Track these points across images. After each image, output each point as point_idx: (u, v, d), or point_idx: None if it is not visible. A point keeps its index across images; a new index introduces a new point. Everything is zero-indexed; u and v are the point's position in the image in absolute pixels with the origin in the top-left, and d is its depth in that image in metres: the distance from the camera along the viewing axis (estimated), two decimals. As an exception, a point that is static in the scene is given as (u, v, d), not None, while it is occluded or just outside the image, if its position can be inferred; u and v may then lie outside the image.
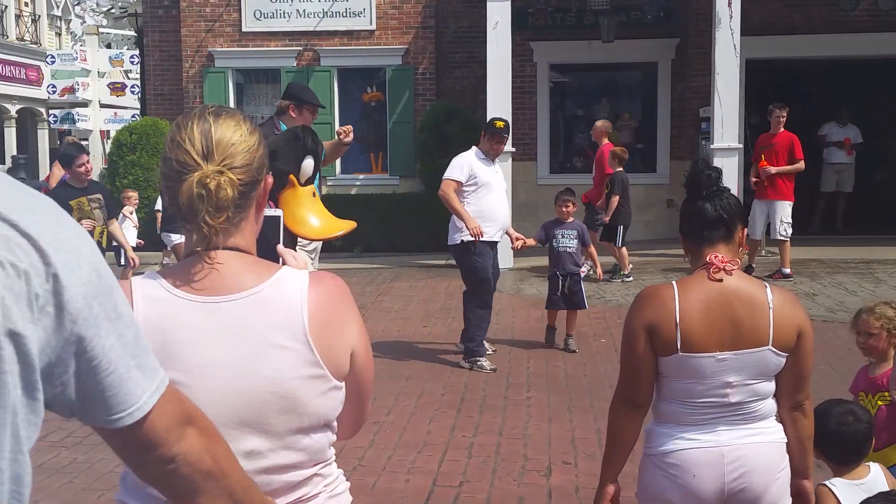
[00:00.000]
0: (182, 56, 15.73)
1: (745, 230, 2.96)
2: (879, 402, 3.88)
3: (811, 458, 2.95)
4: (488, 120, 8.47)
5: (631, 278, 11.23)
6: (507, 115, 12.00)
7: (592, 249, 8.47)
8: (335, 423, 1.91)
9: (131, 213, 11.71)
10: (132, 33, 20.06)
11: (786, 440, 2.86)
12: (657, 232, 14.17)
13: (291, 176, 5.17)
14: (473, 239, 7.52)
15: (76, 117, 16.18)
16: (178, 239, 9.34)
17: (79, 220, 7.01)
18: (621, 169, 11.19)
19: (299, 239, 5.95)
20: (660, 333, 2.75)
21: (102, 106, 16.50)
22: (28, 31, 30.76)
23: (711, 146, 12.34)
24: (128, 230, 11.68)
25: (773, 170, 10.92)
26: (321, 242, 7.22)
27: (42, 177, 19.50)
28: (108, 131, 16.78)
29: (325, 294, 1.86)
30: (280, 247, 2.10)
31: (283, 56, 15.47)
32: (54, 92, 17.00)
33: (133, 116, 16.40)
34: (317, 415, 1.83)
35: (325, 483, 1.91)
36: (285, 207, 5.21)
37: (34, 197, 1.27)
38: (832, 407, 3.35)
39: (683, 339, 2.73)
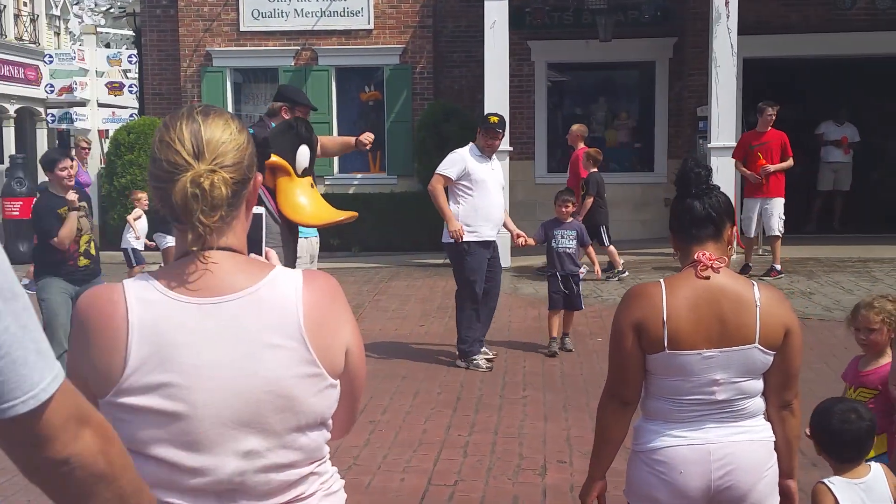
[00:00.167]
0: (180, 55, 15.73)
1: (735, 228, 2.96)
2: (859, 398, 3.88)
3: (797, 457, 2.96)
4: (484, 115, 8.48)
5: (626, 273, 11.24)
6: (505, 114, 11.99)
7: (591, 250, 8.43)
8: (330, 422, 1.91)
9: (136, 220, 11.56)
10: (131, 33, 20.06)
11: (773, 439, 2.86)
12: (654, 231, 14.18)
13: (287, 164, 5.18)
14: (455, 240, 7.52)
15: (74, 117, 16.18)
16: (171, 240, 9.34)
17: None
18: (596, 170, 11.31)
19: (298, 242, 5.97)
20: (647, 331, 2.77)
21: (100, 105, 16.50)
22: (27, 31, 30.74)
23: (709, 145, 12.35)
24: (134, 240, 11.51)
25: (772, 168, 10.92)
26: (318, 245, 7.23)
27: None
28: (107, 131, 16.77)
29: (320, 293, 1.87)
30: (266, 248, 2.11)
31: (281, 55, 15.48)
32: (52, 91, 17.01)
33: (131, 116, 16.39)
34: (313, 413, 1.84)
35: (321, 481, 1.92)
36: (282, 195, 5.22)
37: None
38: (834, 405, 3.35)
39: (670, 337, 2.75)
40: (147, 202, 12.46)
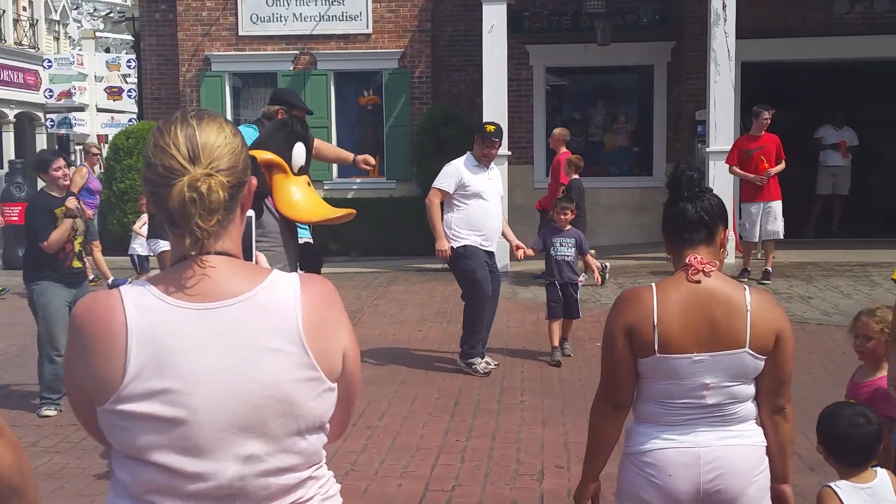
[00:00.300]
0: (179, 60, 15.74)
1: (727, 232, 2.95)
2: None
3: (791, 462, 2.94)
4: (481, 123, 8.45)
5: (608, 266, 11.22)
6: (503, 119, 12.05)
7: (590, 258, 8.31)
8: (328, 425, 1.92)
9: (141, 228, 11.53)
10: (130, 37, 20.07)
11: (765, 444, 2.86)
12: (652, 235, 14.18)
13: (283, 162, 5.16)
14: (455, 244, 7.51)
15: (73, 121, 16.20)
16: (165, 245, 9.32)
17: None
18: (577, 176, 11.22)
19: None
20: (638, 335, 2.77)
21: (99, 110, 16.52)
22: (26, 36, 30.78)
23: (707, 149, 12.36)
24: (141, 247, 11.49)
25: (773, 171, 10.93)
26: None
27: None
28: (107, 135, 16.79)
29: (318, 297, 1.87)
30: (255, 252, 2.10)
31: (280, 60, 15.48)
32: (51, 96, 17.03)
33: (130, 120, 16.41)
34: (313, 417, 1.84)
35: (319, 485, 1.92)
36: (277, 193, 5.21)
37: None
38: (842, 409, 3.33)
39: (661, 341, 2.75)
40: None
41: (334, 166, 15.50)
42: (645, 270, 12.07)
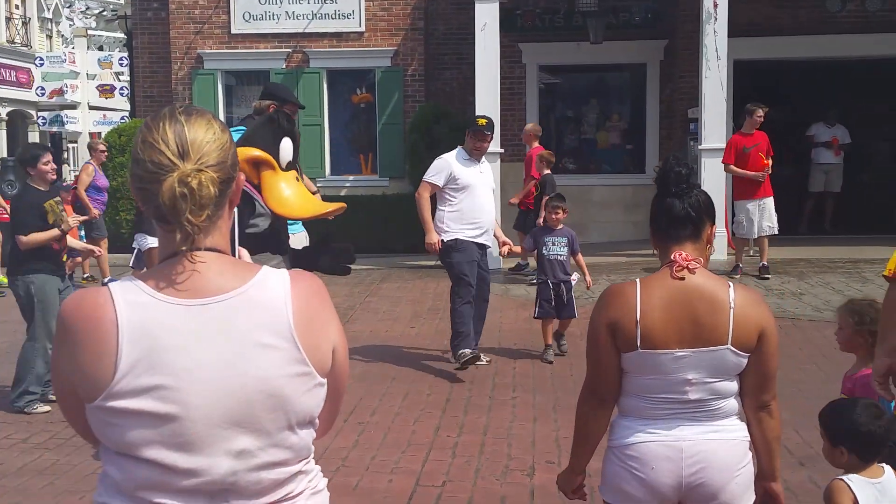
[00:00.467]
0: (171, 58, 15.71)
1: (714, 228, 2.95)
2: None
3: (778, 459, 2.94)
4: (472, 117, 8.44)
5: (530, 274, 11.24)
6: (496, 117, 12.02)
7: (581, 257, 8.24)
8: (317, 421, 1.92)
9: None
10: (122, 36, 20.04)
11: (748, 439, 2.86)
12: (645, 232, 13.95)
13: (270, 158, 5.15)
14: (445, 238, 7.49)
15: (65, 119, 16.16)
16: (153, 242, 9.30)
17: (52, 223, 6.87)
18: (549, 172, 11.35)
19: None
20: (621, 330, 2.78)
21: (91, 108, 16.47)
22: (18, 34, 30.70)
23: (699, 147, 12.37)
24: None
25: (769, 168, 10.98)
26: (307, 241, 7.19)
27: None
28: (100, 133, 16.75)
29: (308, 293, 1.88)
30: (238, 248, 2.11)
31: (273, 58, 15.47)
32: (43, 94, 16.99)
33: (122, 118, 16.38)
34: (304, 412, 1.85)
35: (308, 479, 1.93)
36: (267, 189, 5.19)
37: None
38: (856, 403, 3.28)
39: (643, 336, 2.75)
40: None
41: (327, 162, 15.51)
42: (637, 267, 12.07)
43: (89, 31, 19.25)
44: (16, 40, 30.28)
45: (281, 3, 15.32)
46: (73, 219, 7.41)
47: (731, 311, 2.75)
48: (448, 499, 5.04)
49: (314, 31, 15.35)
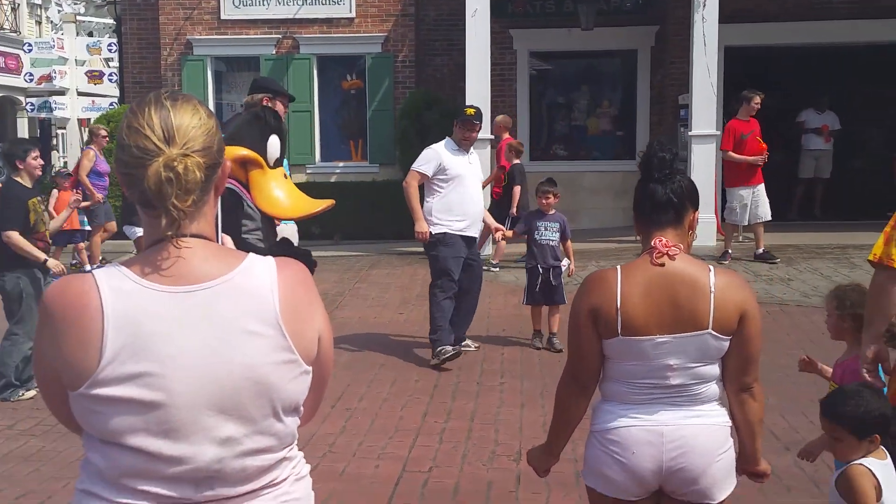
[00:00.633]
0: (160, 44, 15.63)
1: (697, 214, 2.94)
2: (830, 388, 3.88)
3: (760, 441, 2.94)
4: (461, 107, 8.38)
5: (497, 269, 11.24)
6: (486, 103, 12.02)
7: (570, 244, 8.20)
8: (302, 407, 1.92)
9: None
10: (112, 21, 19.93)
11: (729, 424, 2.86)
12: None
13: (259, 157, 5.12)
14: (434, 230, 7.42)
15: (53, 106, 16.08)
16: (141, 231, 9.26)
17: (34, 223, 6.81)
18: (518, 161, 11.45)
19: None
20: (601, 317, 2.78)
21: (80, 94, 16.39)
22: (7, 20, 30.51)
23: (689, 133, 12.36)
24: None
25: (766, 154, 11.02)
26: (296, 231, 7.18)
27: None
28: (89, 119, 16.68)
29: (294, 280, 1.87)
30: (222, 234, 2.10)
31: (263, 44, 15.40)
32: (32, 80, 16.92)
33: (111, 104, 16.31)
34: (289, 399, 1.85)
35: (292, 466, 1.93)
36: (255, 190, 5.17)
37: None
38: (861, 391, 3.22)
39: (624, 323, 2.75)
40: None
41: (317, 149, 15.47)
42: (627, 253, 12.07)
43: (78, 17, 19.14)
44: (4, 26, 30.10)
45: (270, -12, 15.25)
46: (58, 218, 7.42)
47: (712, 295, 2.74)
48: (434, 484, 5.05)
49: (304, 17, 15.29)
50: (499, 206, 11.47)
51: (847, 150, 15.40)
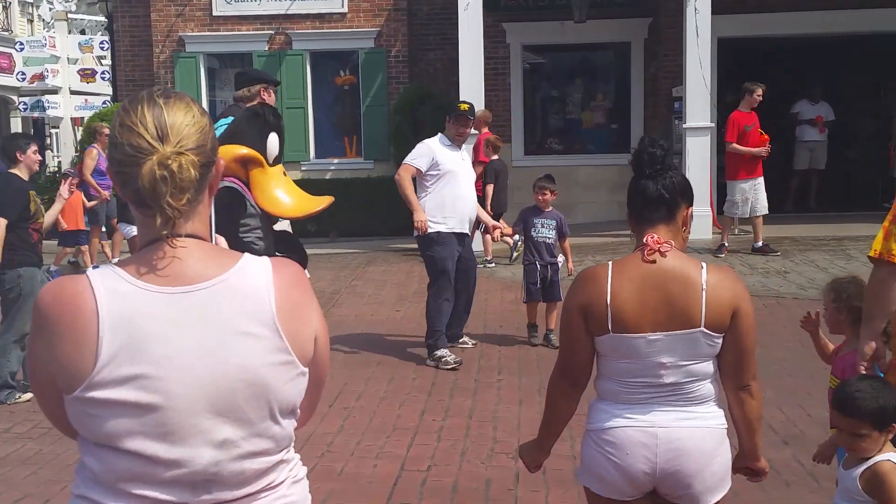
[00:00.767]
0: (152, 41, 15.58)
1: (691, 210, 2.92)
2: (831, 384, 3.87)
3: (759, 437, 2.92)
4: (454, 102, 8.32)
5: (494, 265, 11.24)
6: (480, 97, 12.00)
7: (567, 243, 8.13)
8: (299, 410, 1.91)
9: None
10: (104, 19, 19.86)
11: (725, 426, 2.84)
12: None
13: (259, 156, 5.11)
14: (419, 231, 7.35)
15: (46, 104, 16.02)
16: (136, 231, 9.22)
17: (34, 211, 6.81)
18: (497, 157, 11.30)
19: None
20: (592, 314, 2.77)
21: (73, 93, 16.33)
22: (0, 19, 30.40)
23: (683, 125, 12.35)
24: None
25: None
26: (290, 224, 7.15)
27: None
28: (83, 118, 16.63)
29: (290, 281, 1.86)
30: (215, 235, 2.08)
31: (255, 40, 15.35)
32: (24, 79, 16.86)
33: (104, 103, 16.25)
34: (286, 401, 1.83)
35: (289, 468, 1.92)
36: (257, 189, 5.16)
37: None
38: (874, 382, 3.21)
39: (614, 320, 2.74)
40: None
41: (312, 145, 15.44)
42: (623, 248, 12.07)
43: (70, 15, 19.06)
44: (-4, 25, 29.99)
45: (262, -16, 15.21)
46: (53, 210, 7.38)
47: (704, 292, 2.73)
48: (433, 483, 5.04)
49: (296, 13, 15.24)
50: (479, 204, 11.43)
51: (841, 141, 15.41)
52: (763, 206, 11.10)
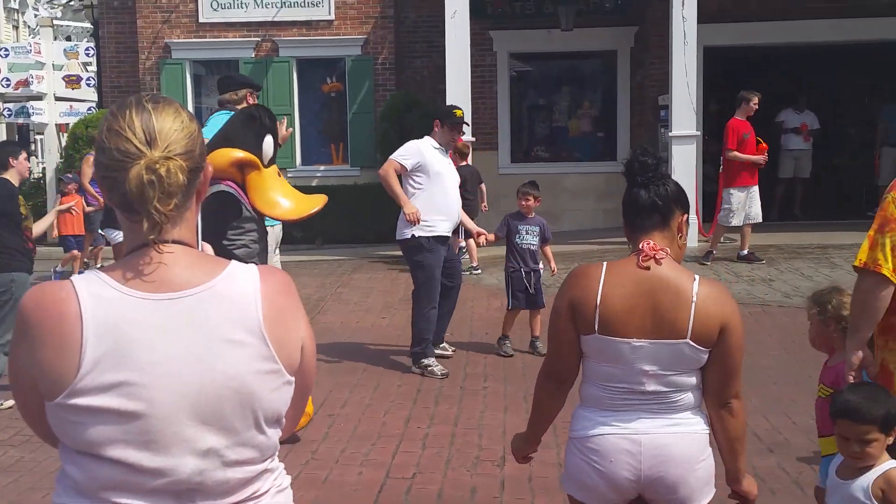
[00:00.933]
0: (138, 48, 15.55)
1: (686, 217, 2.93)
2: (821, 394, 3.86)
3: (743, 460, 2.89)
4: (445, 108, 8.23)
5: (480, 271, 11.24)
6: (467, 104, 12.00)
7: (549, 248, 8.07)
8: (284, 419, 1.89)
9: None
10: (90, 25, 19.79)
11: (707, 431, 2.83)
12: (617, 220, 14.00)
13: (256, 159, 5.10)
14: (417, 233, 7.23)
15: (31, 111, 15.93)
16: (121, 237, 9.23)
17: (25, 215, 6.83)
18: (465, 163, 11.22)
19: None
20: (580, 311, 2.77)
21: (58, 99, 16.25)
22: (-17, 24, 30.28)
23: (669, 134, 12.39)
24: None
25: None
26: (281, 233, 7.13)
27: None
28: (68, 125, 16.54)
29: (277, 288, 1.84)
30: (202, 242, 2.07)
31: (241, 47, 15.34)
32: (9, 85, 16.72)
33: (89, 109, 16.16)
34: (272, 410, 1.82)
35: (274, 478, 1.90)
36: (254, 191, 5.15)
37: None
38: (872, 386, 3.23)
39: (601, 321, 2.74)
40: None
41: (298, 152, 15.42)
42: (610, 255, 12.08)
43: (55, 21, 18.97)
44: (-19, 31, 29.87)
45: (249, -9, 15.19)
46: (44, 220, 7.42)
47: (693, 304, 2.72)
48: (418, 490, 5.02)
49: (283, 20, 15.24)
50: None
51: (826, 149, 15.48)
52: (757, 214, 11.13)
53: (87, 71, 18.45)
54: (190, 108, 15.01)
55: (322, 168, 15.42)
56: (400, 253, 11.94)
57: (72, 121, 15.86)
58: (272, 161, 5.30)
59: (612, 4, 14.90)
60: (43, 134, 16.58)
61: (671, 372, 2.74)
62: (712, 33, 13.59)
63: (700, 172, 12.69)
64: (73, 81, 16.33)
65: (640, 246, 2.80)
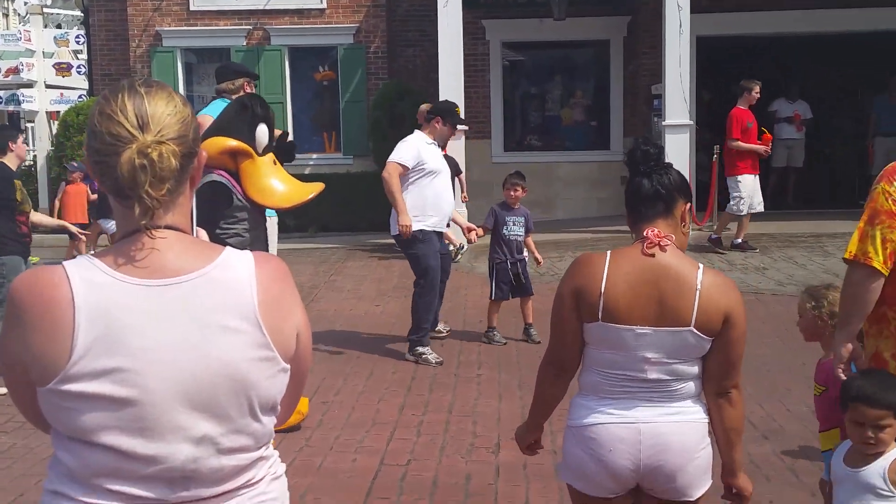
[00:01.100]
0: (129, 35, 15.45)
1: (688, 205, 2.92)
2: (815, 392, 3.84)
3: (740, 452, 2.88)
4: (442, 104, 8.16)
5: (462, 253, 11.19)
6: (460, 94, 11.98)
7: (531, 239, 8.05)
8: (279, 406, 1.88)
9: None
10: (80, 13, 19.67)
11: (706, 420, 2.82)
12: (610, 208, 14.21)
13: (249, 148, 5.08)
14: (405, 236, 7.23)
15: (21, 98, 15.85)
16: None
17: (20, 201, 6.81)
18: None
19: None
20: (584, 299, 2.76)
21: (48, 87, 16.16)
22: (-27, 12, 30.10)
23: (662, 123, 12.38)
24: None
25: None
26: (276, 224, 7.11)
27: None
28: (58, 112, 16.45)
29: (272, 275, 1.83)
30: (196, 227, 2.05)
31: (233, 35, 15.26)
32: (-1, 73, 16.63)
33: (80, 97, 16.08)
34: (267, 397, 1.80)
35: (269, 465, 1.89)
36: (247, 180, 5.13)
37: None
38: (879, 373, 3.23)
39: (605, 308, 2.73)
40: None
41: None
42: (603, 244, 12.08)
43: (45, 9, 18.84)
44: (-30, 18, 29.69)
45: (240, -21, 15.12)
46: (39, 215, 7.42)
47: (697, 292, 2.72)
48: (413, 477, 5.01)
49: (275, 8, 15.16)
50: None
51: (818, 138, 15.50)
52: (759, 203, 11.15)
53: (77, 59, 18.34)
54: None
55: (315, 157, 15.37)
56: (392, 241, 11.98)
57: (62, 108, 15.78)
58: (269, 149, 5.28)
59: (605, -7, 14.86)
60: (33, 122, 16.49)
61: (674, 360, 2.74)
62: (705, 23, 13.56)
63: (693, 162, 12.69)
64: (63, 69, 16.24)
65: (645, 233, 2.80)
